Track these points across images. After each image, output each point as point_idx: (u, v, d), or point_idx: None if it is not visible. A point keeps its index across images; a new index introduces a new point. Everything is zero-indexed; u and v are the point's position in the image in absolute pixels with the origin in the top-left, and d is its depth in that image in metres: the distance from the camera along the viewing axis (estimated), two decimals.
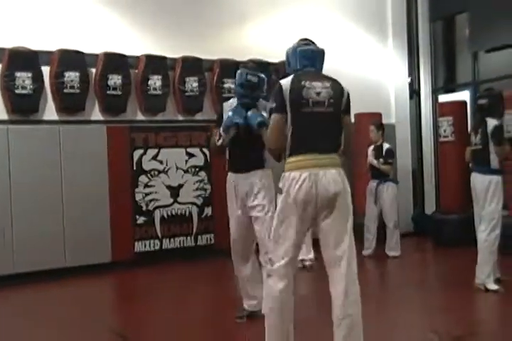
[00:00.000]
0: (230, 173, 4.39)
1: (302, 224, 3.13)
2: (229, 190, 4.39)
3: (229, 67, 7.78)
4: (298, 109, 3.13)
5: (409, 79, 9.20)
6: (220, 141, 4.22)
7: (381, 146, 7.14)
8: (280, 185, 3.18)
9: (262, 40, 8.18)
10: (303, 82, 3.15)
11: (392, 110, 9.04)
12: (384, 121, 8.36)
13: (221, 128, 4.21)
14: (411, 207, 9.07)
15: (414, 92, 9.25)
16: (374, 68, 9.03)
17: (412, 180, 9.13)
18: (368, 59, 8.99)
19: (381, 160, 7.06)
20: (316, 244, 3.66)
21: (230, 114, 4.15)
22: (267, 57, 8.08)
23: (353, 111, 8.43)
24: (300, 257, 6.58)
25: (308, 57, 3.28)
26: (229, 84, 7.70)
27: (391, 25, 9.09)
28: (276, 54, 8.11)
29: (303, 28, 8.34)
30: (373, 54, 9.05)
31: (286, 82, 3.17)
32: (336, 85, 3.26)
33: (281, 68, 8.15)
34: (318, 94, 3.16)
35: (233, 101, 4.35)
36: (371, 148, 7.23)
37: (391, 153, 7.14)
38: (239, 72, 4.26)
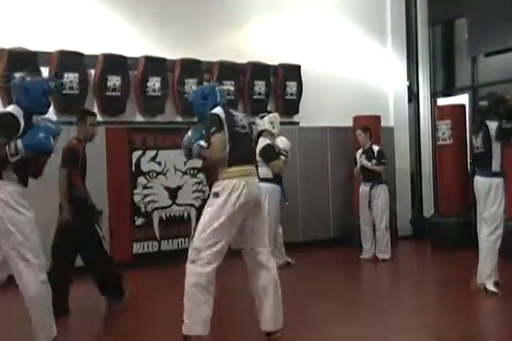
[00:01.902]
0: None
1: (232, 224, 3.81)
2: None
3: (228, 69, 7.82)
4: (232, 130, 3.90)
5: (407, 83, 9.22)
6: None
7: (371, 148, 7.19)
8: (217, 189, 3.81)
9: (261, 42, 8.20)
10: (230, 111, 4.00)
11: (390, 113, 9.06)
12: (382, 124, 8.38)
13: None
14: (409, 210, 9.08)
15: (413, 96, 9.26)
16: (373, 71, 9.06)
17: (411, 183, 9.14)
18: (367, 62, 9.01)
19: (374, 161, 7.08)
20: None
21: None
22: (266, 60, 8.10)
23: (351, 114, 8.45)
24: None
25: (223, 95, 4.12)
26: (228, 86, 7.71)
27: (390, 29, 9.13)
28: (274, 56, 8.18)
29: (302, 31, 8.38)
30: (372, 57, 9.07)
31: (219, 111, 3.92)
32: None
33: (279, 70, 8.22)
34: (241, 120, 4.00)
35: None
36: (360, 151, 7.27)
37: (383, 154, 7.20)
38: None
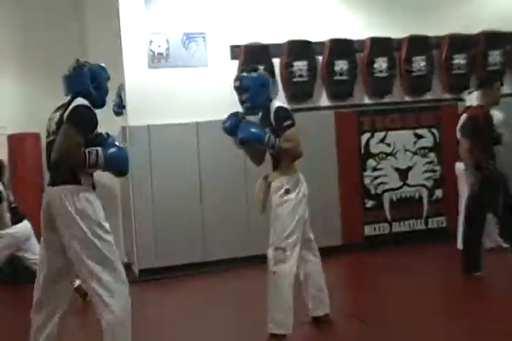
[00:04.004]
0: None
1: (303, 218, 4.00)
2: None
3: (458, 41, 7.41)
4: None
5: None
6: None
7: None
8: (288, 185, 3.82)
9: (498, 7, 7.56)
10: None
11: None
12: None
13: None
14: None
15: None
16: None
17: None
18: None
19: None
20: None
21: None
22: (506, 26, 7.47)
23: None
24: None
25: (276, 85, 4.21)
26: (459, 60, 7.35)
27: None
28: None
29: None
30: None
31: (285, 104, 3.98)
32: None
33: None
34: None
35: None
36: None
37: None
38: None
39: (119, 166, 3.27)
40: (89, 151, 3.10)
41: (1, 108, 7.19)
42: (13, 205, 5.56)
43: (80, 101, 3.15)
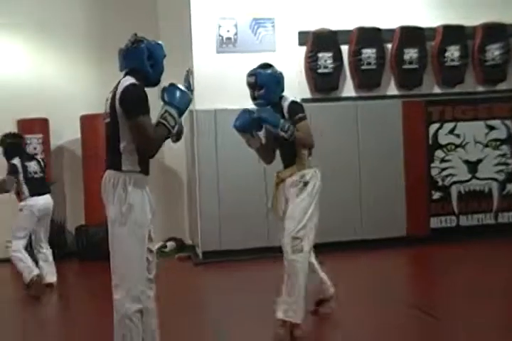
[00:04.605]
0: None
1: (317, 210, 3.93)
2: None
3: None
4: None
5: None
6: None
7: None
8: (307, 178, 3.87)
9: None
10: None
11: None
12: None
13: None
14: None
15: None
16: None
17: None
18: None
19: None
20: None
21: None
22: None
23: None
24: None
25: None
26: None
27: None
28: None
29: None
30: None
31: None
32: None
33: None
34: None
35: None
36: None
37: None
38: None
39: (187, 106, 3.04)
40: (165, 119, 2.91)
41: (82, 91, 7.31)
42: (36, 176, 5.58)
43: (127, 80, 2.96)
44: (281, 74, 3.99)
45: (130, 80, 2.94)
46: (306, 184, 3.87)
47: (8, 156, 5.61)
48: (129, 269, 2.88)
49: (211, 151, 6.43)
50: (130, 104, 2.88)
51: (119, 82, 2.99)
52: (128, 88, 2.90)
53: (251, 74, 3.96)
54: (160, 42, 3.14)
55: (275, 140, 3.97)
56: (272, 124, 3.78)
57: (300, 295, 3.75)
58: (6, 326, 4.57)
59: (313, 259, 4.09)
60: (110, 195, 2.94)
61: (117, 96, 2.91)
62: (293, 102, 3.92)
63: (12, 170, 5.50)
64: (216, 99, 6.37)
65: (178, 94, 2.96)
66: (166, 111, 2.92)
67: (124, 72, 3.06)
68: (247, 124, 3.92)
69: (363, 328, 3.95)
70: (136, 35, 3.09)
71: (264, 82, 3.85)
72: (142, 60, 3.01)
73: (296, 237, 3.78)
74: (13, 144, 5.66)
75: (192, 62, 6.38)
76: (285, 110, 3.88)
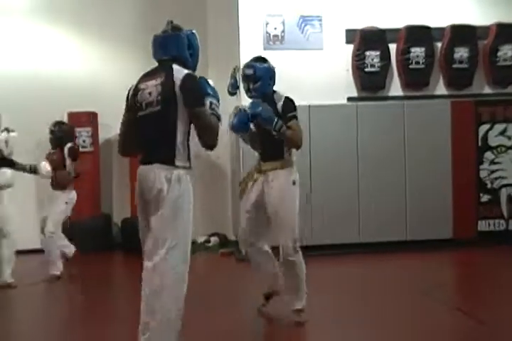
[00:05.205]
0: None
1: None
2: None
3: None
4: None
5: None
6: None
7: None
8: (293, 177, 3.88)
9: None
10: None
11: None
12: None
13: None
14: None
15: None
16: None
17: None
18: None
19: None
20: None
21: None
22: None
23: None
24: None
25: None
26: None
27: None
28: None
29: None
30: None
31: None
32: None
33: None
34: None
35: None
36: None
37: None
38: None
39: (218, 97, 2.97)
40: (213, 113, 2.89)
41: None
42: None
43: (182, 69, 2.87)
44: (274, 68, 4.03)
45: (183, 69, 2.86)
46: (294, 183, 3.91)
47: (64, 142, 5.67)
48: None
49: None
50: (197, 91, 2.84)
51: (162, 69, 2.89)
52: (190, 76, 2.84)
53: (248, 66, 4.00)
54: (194, 31, 3.02)
55: (263, 133, 3.90)
56: (267, 121, 3.76)
57: (304, 287, 3.96)
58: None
59: (267, 248, 4.16)
60: (163, 191, 2.83)
61: (178, 83, 2.81)
62: (289, 99, 3.90)
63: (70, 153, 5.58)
64: None
65: (212, 86, 2.94)
66: (211, 102, 2.88)
67: (159, 60, 2.96)
68: (244, 127, 3.90)
69: (407, 329, 3.86)
70: (172, 22, 2.99)
71: (261, 75, 3.90)
72: (184, 49, 2.94)
73: (295, 239, 3.90)
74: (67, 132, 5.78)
75: (239, 59, 6.40)
76: (279, 105, 3.85)
